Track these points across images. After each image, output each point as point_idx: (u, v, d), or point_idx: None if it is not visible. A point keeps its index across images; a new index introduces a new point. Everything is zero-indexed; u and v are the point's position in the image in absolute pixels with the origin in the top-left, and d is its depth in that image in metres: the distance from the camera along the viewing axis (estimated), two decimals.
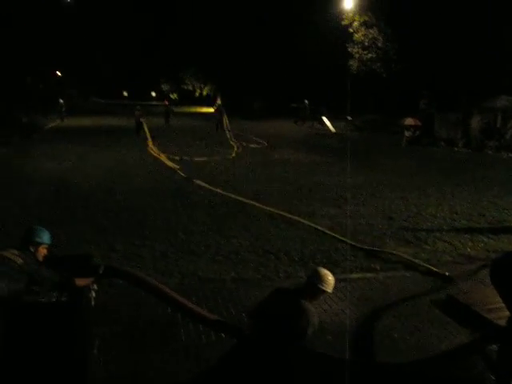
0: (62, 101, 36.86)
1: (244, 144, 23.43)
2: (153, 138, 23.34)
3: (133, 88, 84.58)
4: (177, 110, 49.66)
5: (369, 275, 7.09)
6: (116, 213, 10.25)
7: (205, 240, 8.48)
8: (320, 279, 4.07)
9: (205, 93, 65.46)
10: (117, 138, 25.43)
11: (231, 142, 23.66)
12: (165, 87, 79.76)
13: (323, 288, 4.07)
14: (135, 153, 20.04)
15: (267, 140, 25.25)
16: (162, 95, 79.58)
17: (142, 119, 27.17)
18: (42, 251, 4.59)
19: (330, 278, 4.12)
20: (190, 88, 67.01)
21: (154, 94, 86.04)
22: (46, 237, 4.62)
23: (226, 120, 28.78)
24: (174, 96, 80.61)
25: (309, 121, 37.21)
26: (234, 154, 19.88)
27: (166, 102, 38.77)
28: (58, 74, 50.50)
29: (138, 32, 69.11)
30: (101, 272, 4.82)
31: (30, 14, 31.91)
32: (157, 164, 17.28)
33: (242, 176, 15.14)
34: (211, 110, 39.40)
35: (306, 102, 37.70)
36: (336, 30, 35.24)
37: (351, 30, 33.46)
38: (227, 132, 26.41)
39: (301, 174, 15.67)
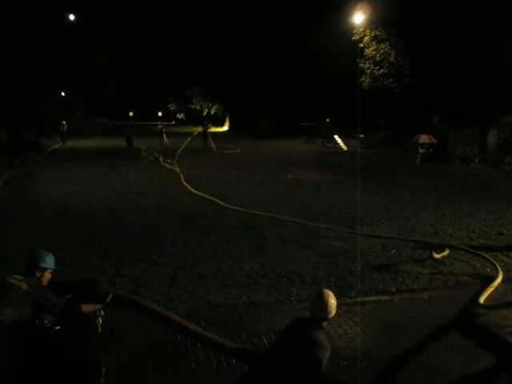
0: (64, 122, 36.96)
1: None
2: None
3: (139, 108, 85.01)
4: (185, 130, 50.70)
5: (384, 298, 6.90)
6: (122, 236, 10.09)
7: (215, 263, 8.33)
8: (323, 312, 3.92)
9: (212, 112, 65.51)
10: (120, 160, 25.35)
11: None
12: (172, 107, 79.76)
13: (329, 318, 3.95)
14: (139, 174, 20.21)
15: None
16: (168, 115, 79.82)
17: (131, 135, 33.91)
18: (47, 276, 4.59)
19: (331, 302, 3.95)
20: (198, 108, 67.14)
21: (160, 114, 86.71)
22: (51, 261, 4.59)
23: (209, 137, 35.50)
24: (180, 116, 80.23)
25: (323, 139, 36.96)
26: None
27: (173, 122, 40.29)
28: (63, 94, 50.66)
29: (144, 51, 69.86)
30: (108, 300, 4.75)
31: (36, 34, 32.17)
32: (161, 184, 17.37)
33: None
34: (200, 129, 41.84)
35: (328, 120, 37.38)
36: (346, 45, 34.99)
37: (362, 45, 33.16)
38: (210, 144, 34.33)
39: (313, 193, 15.50)
